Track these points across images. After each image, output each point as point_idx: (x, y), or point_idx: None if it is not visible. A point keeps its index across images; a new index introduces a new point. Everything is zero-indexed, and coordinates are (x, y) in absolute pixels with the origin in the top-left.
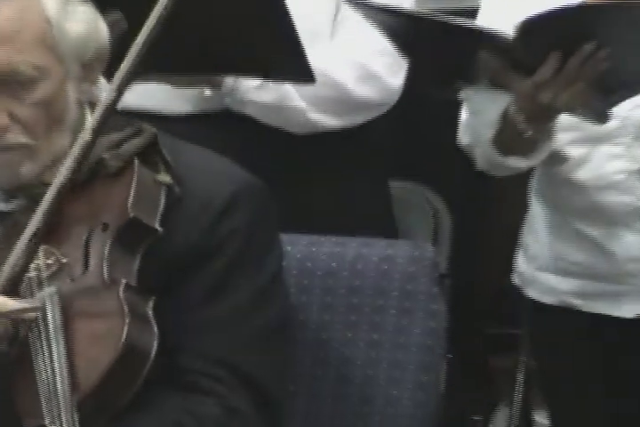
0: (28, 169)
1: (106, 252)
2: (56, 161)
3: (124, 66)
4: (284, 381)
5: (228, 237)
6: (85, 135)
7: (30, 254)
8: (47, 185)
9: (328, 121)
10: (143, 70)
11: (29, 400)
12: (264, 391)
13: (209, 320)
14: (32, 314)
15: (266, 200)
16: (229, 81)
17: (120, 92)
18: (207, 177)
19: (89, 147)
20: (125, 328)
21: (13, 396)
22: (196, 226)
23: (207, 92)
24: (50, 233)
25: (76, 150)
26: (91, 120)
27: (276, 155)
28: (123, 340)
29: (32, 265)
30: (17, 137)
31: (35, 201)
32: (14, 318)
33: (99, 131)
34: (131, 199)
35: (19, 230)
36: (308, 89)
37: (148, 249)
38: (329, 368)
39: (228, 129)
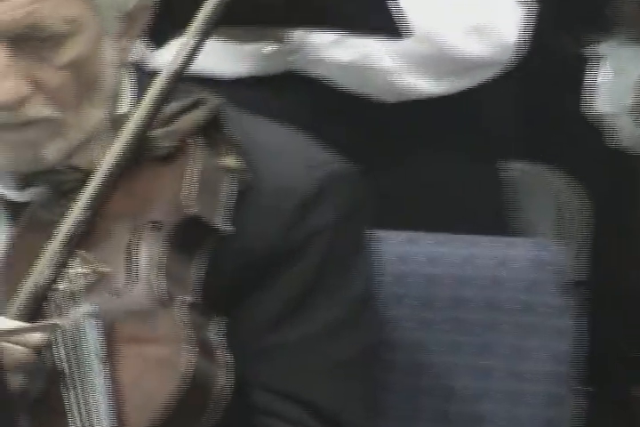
0: (53, 150)
1: (156, 258)
2: (89, 139)
3: (202, 16)
4: (372, 416)
5: (311, 238)
6: (143, 107)
7: (61, 263)
8: (77, 170)
9: (423, 86)
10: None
11: None
12: None
13: (284, 346)
14: (39, 338)
15: (358, 190)
16: (297, 35)
17: (195, 50)
18: (284, 160)
19: (148, 123)
20: (186, 356)
21: None
22: (269, 224)
23: (267, 48)
24: (89, 236)
25: (130, 126)
26: (152, 88)
27: (356, 129)
28: (183, 369)
29: (61, 276)
30: (40, 109)
31: (59, 191)
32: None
33: (162, 101)
34: (187, 191)
35: (37, 227)
36: (397, 45)
37: (208, 255)
38: (427, 401)
39: (293, 95)
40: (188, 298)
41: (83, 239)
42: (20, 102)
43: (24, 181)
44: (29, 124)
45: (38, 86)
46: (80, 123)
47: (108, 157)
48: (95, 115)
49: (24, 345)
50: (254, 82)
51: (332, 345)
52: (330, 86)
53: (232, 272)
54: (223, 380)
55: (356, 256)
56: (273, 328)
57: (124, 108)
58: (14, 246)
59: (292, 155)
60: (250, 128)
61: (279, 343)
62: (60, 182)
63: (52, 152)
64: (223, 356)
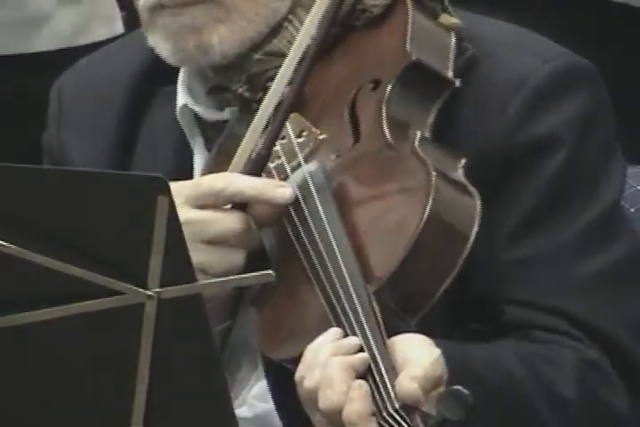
0: (219, 37)
1: (383, 113)
2: (279, 24)
3: None
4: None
5: (546, 140)
6: None
7: (276, 130)
8: (278, 55)
9: None
10: None
11: (292, 319)
12: (617, 348)
13: (528, 258)
14: (286, 194)
15: (601, 87)
16: None
17: None
18: (514, 51)
19: None
20: (432, 183)
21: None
22: (499, 123)
23: None
24: (300, 105)
25: None
26: None
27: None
28: (430, 199)
29: (277, 147)
30: None
31: (260, 83)
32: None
33: None
34: (409, 39)
35: (234, 144)
36: None
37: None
38: None
39: None
40: (426, 133)
41: (300, 109)
42: None
43: (221, 101)
44: (190, 4)
45: None
46: (254, 11)
47: (303, 33)
48: (274, 5)
49: (268, 203)
50: None
51: (584, 257)
52: None
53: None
54: (475, 221)
55: (604, 166)
56: (516, 238)
57: None
58: (214, 163)
59: (524, 47)
60: (473, 20)
61: (525, 255)
62: (263, 72)
63: (217, 40)
64: (474, 197)
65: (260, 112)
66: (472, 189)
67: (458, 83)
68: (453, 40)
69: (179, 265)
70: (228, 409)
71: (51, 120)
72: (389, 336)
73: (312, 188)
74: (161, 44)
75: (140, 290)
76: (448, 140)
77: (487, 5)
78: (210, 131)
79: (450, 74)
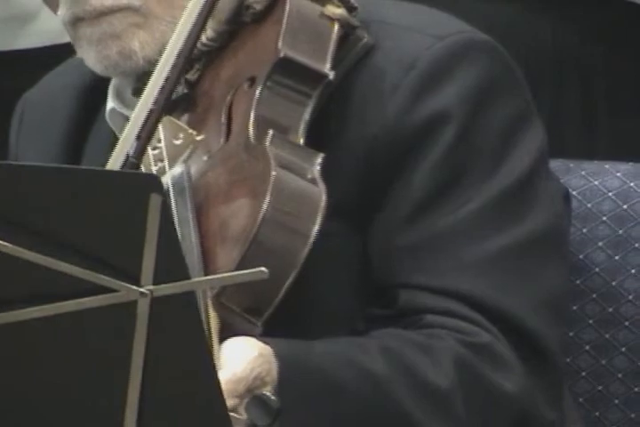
0: (140, 43)
1: (252, 110)
2: None
3: None
4: (557, 316)
5: (435, 119)
6: None
7: (146, 135)
8: None
9: None
10: None
11: None
12: (521, 328)
13: (422, 241)
14: None
15: (501, 61)
16: None
17: None
18: (409, 33)
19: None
20: (271, 182)
21: None
22: (390, 104)
23: None
24: (185, 107)
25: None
26: None
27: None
28: (267, 198)
29: (157, 151)
30: None
31: None
32: None
33: None
34: (282, 35)
35: None
36: None
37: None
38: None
39: None
40: (291, 137)
41: (187, 112)
42: None
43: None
44: (106, 14)
45: None
46: (170, 14)
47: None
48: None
49: None
50: None
51: (479, 236)
52: None
53: (357, 162)
54: (316, 219)
55: (507, 140)
56: (411, 221)
57: None
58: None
59: (421, 27)
60: (375, 4)
61: (420, 237)
62: None
63: (139, 45)
64: (320, 193)
65: (132, 119)
66: (321, 186)
67: (332, 75)
68: (336, 31)
69: (172, 262)
70: (222, 409)
71: (12, 130)
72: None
73: (171, 191)
74: (86, 55)
75: (133, 287)
76: (338, 131)
77: None
78: None
79: (325, 67)
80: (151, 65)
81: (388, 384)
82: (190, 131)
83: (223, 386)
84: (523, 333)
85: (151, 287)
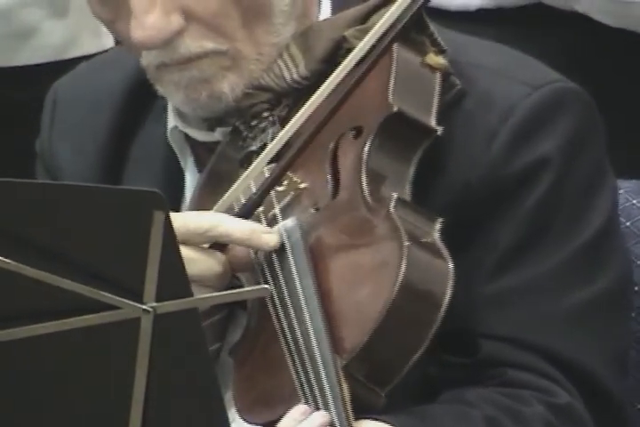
0: (230, 85)
1: (363, 164)
2: (273, 60)
3: None
4: (624, 372)
5: (533, 168)
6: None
7: (276, 177)
8: (267, 90)
9: None
10: None
11: (264, 382)
12: (596, 385)
13: (508, 292)
14: (271, 242)
15: (591, 114)
16: None
17: None
18: (502, 77)
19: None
20: (404, 255)
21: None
22: (485, 150)
23: None
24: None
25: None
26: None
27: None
28: (402, 270)
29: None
30: (200, 42)
31: (249, 115)
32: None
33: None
34: (391, 87)
35: (226, 166)
36: None
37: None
38: None
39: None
40: (403, 196)
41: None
42: (172, 38)
43: (213, 120)
44: (193, 60)
45: (191, 17)
46: (257, 51)
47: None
48: (274, 41)
49: (254, 248)
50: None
51: (567, 290)
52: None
53: (444, 209)
54: (447, 289)
55: (591, 191)
56: (497, 271)
57: (322, 15)
58: (205, 186)
59: (512, 72)
60: (458, 43)
61: (505, 288)
62: (249, 106)
63: (229, 87)
64: (447, 262)
65: (260, 158)
66: (445, 253)
67: (440, 131)
68: (438, 81)
69: (175, 280)
70: (224, 425)
71: (43, 124)
72: (360, 408)
73: (287, 244)
74: (172, 95)
75: (136, 304)
76: (427, 176)
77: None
78: (200, 149)
79: (433, 121)
80: (237, 100)
81: None
82: (295, 178)
83: None
84: (597, 391)
85: (154, 304)
